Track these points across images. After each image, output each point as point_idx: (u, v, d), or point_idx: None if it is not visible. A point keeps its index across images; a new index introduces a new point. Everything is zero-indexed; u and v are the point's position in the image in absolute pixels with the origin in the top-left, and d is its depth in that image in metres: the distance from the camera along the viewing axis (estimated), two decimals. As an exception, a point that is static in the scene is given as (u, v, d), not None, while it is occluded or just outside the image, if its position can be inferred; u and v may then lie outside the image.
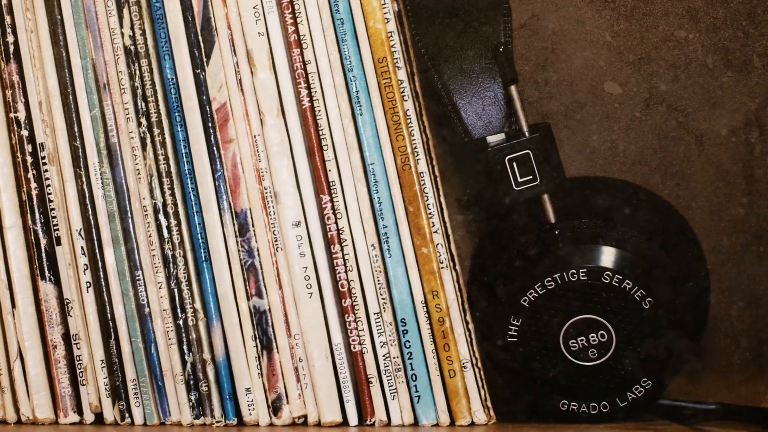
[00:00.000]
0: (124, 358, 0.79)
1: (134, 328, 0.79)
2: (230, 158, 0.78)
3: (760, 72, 0.91)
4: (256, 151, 0.78)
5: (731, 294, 0.91)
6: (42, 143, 0.79)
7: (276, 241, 0.78)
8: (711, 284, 0.90)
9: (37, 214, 0.79)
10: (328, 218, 0.78)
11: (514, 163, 0.77)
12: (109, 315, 0.79)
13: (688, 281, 0.78)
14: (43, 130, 0.79)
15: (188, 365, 0.78)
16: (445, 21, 0.79)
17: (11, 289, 0.80)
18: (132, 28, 0.78)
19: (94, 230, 0.79)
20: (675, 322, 0.77)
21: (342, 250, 0.78)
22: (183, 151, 0.78)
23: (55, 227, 0.79)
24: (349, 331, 0.78)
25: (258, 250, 0.78)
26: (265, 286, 0.78)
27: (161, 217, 0.79)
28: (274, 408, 0.78)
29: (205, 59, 0.78)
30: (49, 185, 0.79)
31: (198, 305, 0.78)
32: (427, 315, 0.78)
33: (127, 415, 0.79)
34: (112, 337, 0.79)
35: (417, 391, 0.78)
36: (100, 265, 0.79)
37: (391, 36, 0.78)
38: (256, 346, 0.78)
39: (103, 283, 0.79)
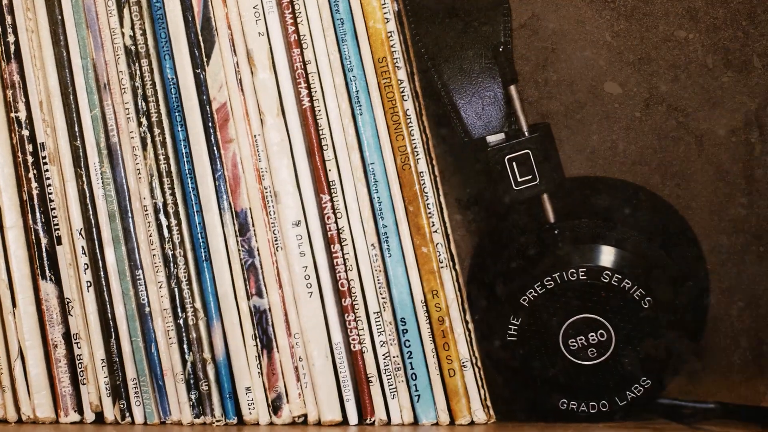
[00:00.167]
0: (124, 358, 0.79)
1: (135, 327, 0.79)
2: (230, 158, 0.78)
3: (760, 72, 0.91)
4: (256, 151, 0.78)
5: (731, 294, 0.91)
6: (43, 143, 0.79)
7: (276, 240, 0.78)
8: (711, 284, 0.90)
9: (37, 214, 0.80)
10: (328, 218, 0.78)
11: (514, 163, 0.78)
12: (109, 314, 0.79)
13: (688, 281, 0.78)
14: (44, 130, 0.79)
15: (188, 364, 0.79)
16: (445, 21, 0.79)
17: (12, 289, 0.80)
18: (132, 28, 0.79)
19: (94, 230, 0.79)
20: (674, 322, 0.77)
21: (342, 249, 0.78)
22: (183, 150, 0.78)
23: (55, 227, 0.80)
24: (349, 330, 0.78)
25: (258, 250, 0.78)
26: (265, 286, 0.78)
27: (161, 216, 0.79)
28: (274, 407, 0.78)
29: (205, 59, 0.78)
30: (49, 185, 0.79)
31: (198, 305, 0.79)
32: (426, 314, 0.78)
33: (127, 414, 0.79)
34: (113, 337, 0.79)
35: (417, 391, 0.78)
36: (100, 265, 0.79)
37: (391, 36, 0.78)
38: (256, 346, 0.78)
39: (103, 282, 0.79)
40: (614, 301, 0.76)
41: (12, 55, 0.79)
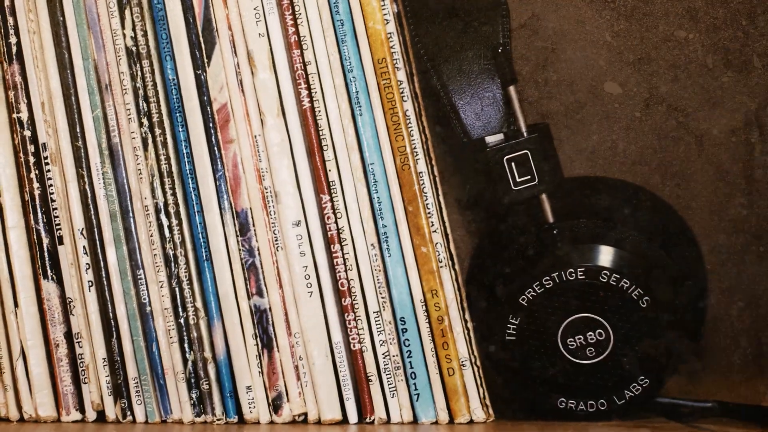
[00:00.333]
0: (125, 357, 0.79)
1: (136, 326, 0.79)
2: (231, 158, 0.79)
3: (760, 72, 0.91)
4: (256, 151, 0.78)
5: (731, 294, 0.92)
6: (44, 143, 0.80)
7: (276, 240, 0.78)
8: (711, 284, 0.90)
9: (39, 214, 0.80)
10: (328, 218, 0.78)
11: (513, 164, 0.78)
12: (110, 314, 0.79)
13: (686, 280, 0.78)
14: (46, 131, 0.80)
15: (189, 363, 0.79)
16: (444, 21, 0.79)
17: (14, 288, 0.80)
18: (133, 29, 0.79)
19: (96, 230, 0.79)
20: (672, 321, 0.77)
21: (342, 249, 0.78)
22: (184, 151, 0.79)
23: (57, 227, 0.80)
24: (348, 329, 0.78)
25: (258, 250, 0.78)
26: (265, 285, 0.78)
27: (162, 216, 0.79)
28: (275, 406, 0.79)
29: (206, 60, 0.78)
30: (51, 185, 0.80)
31: (199, 304, 0.79)
32: (426, 314, 0.78)
33: (128, 413, 0.80)
34: (114, 336, 0.79)
35: (416, 390, 0.78)
36: (102, 265, 0.79)
37: (391, 37, 0.78)
38: (257, 345, 0.78)
39: (104, 282, 0.79)
40: (612, 301, 0.77)
41: (14, 56, 0.80)
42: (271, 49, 0.78)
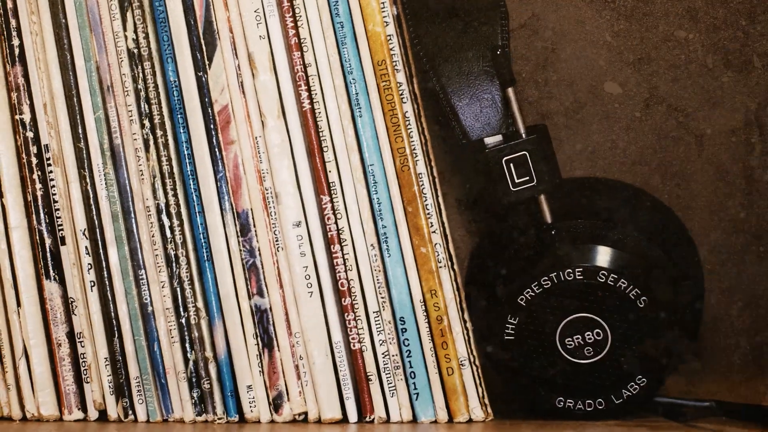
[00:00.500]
0: (127, 356, 0.80)
1: (137, 326, 0.80)
2: (232, 159, 0.79)
3: (760, 72, 0.91)
4: (257, 153, 0.79)
5: (731, 294, 0.92)
6: (47, 145, 0.80)
7: (277, 241, 0.79)
8: (711, 284, 0.90)
9: (41, 215, 0.80)
10: (328, 218, 0.79)
11: (512, 164, 0.78)
12: (112, 314, 0.80)
13: (684, 280, 0.79)
14: (48, 132, 0.80)
15: (190, 363, 0.79)
16: (444, 22, 0.80)
17: (16, 289, 0.80)
18: (135, 32, 0.79)
19: (98, 230, 0.80)
20: (670, 321, 0.78)
21: (342, 249, 0.79)
22: (185, 152, 0.79)
23: (59, 227, 0.80)
24: (348, 329, 0.79)
25: (259, 250, 0.79)
26: (266, 286, 0.79)
27: (164, 217, 0.80)
28: (275, 405, 0.79)
29: (207, 62, 0.79)
30: (53, 186, 0.80)
31: (200, 304, 0.79)
32: (425, 314, 0.78)
33: (130, 412, 0.80)
34: (116, 336, 0.80)
35: (416, 389, 0.78)
36: (103, 265, 0.80)
37: (390, 39, 0.78)
38: (258, 345, 0.79)
39: (106, 282, 0.80)
40: (610, 301, 0.77)
41: (16, 58, 0.80)
42: (271, 51, 0.79)
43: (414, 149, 0.79)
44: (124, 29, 0.80)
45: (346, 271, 0.79)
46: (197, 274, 0.80)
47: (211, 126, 0.79)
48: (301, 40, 0.79)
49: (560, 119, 0.93)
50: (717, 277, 0.92)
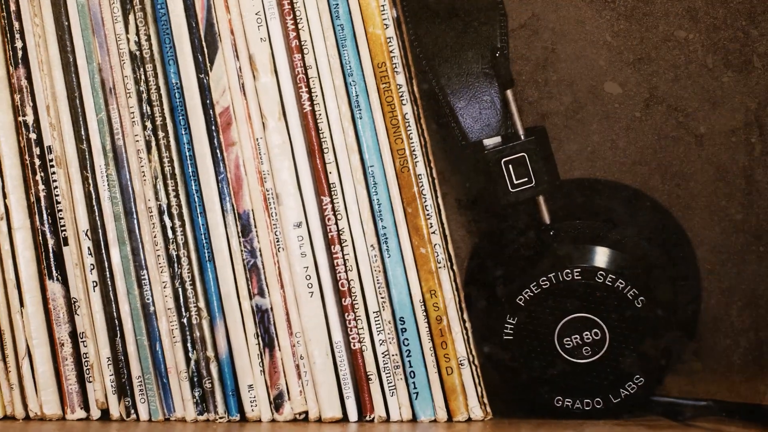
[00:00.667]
0: (129, 356, 0.80)
1: (139, 326, 0.80)
2: (233, 160, 0.80)
3: (760, 72, 0.91)
4: (258, 154, 0.79)
5: (731, 294, 0.92)
6: (49, 146, 0.81)
7: (278, 241, 0.80)
8: (711, 284, 0.91)
9: (44, 215, 0.81)
10: (329, 219, 0.79)
11: (510, 166, 0.79)
12: (114, 313, 0.80)
13: (681, 280, 0.80)
14: (51, 134, 0.81)
15: (192, 362, 0.80)
16: (444, 22, 0.80)
17: (19, 289, 0.81)
18: (137, 34, 0.80)
19: (100, 231, 0.80)
20: (667, 321, 0.78)
21: (342, 250, 0.79)
22: (187, 153, 0.80)
23: (62, 228, 0.81)
24: (349, 329, 0.79)
25: (260, 251, 0.79)
26: (267, 286, 0.79)
27: (166, 218, 0.80)
28: (276, 404, 0.80)
29: (208, 64, 0.79)
30: (56, 187, 0.81)
31: (202, 304, 0.80)
32: (425, 314, 0.79)
33: (132, 411, 0.81)
34: (118, 335, 0.80)
35: (415, 388, 0.79)
36: (106, 265, 0.80)
37: (390, 41, 0.79)
38: (259, 344, 0.79)
39: (109, 282, 0.80)
40: (609, 301, 0.78)
41: (20, 60, 0.80)
42: (272, 53, 0.79)
43: (414, 150, 0.80)
44: (126, 31, 0.80)
45: (346, 271, 0.80)
46: (199, 275, 0.80)
47: (213, 127, 0.80)
48: (302, 42, 0.79)
49: (560, 119, 0.93)
50: (717, 277, 0.92)
